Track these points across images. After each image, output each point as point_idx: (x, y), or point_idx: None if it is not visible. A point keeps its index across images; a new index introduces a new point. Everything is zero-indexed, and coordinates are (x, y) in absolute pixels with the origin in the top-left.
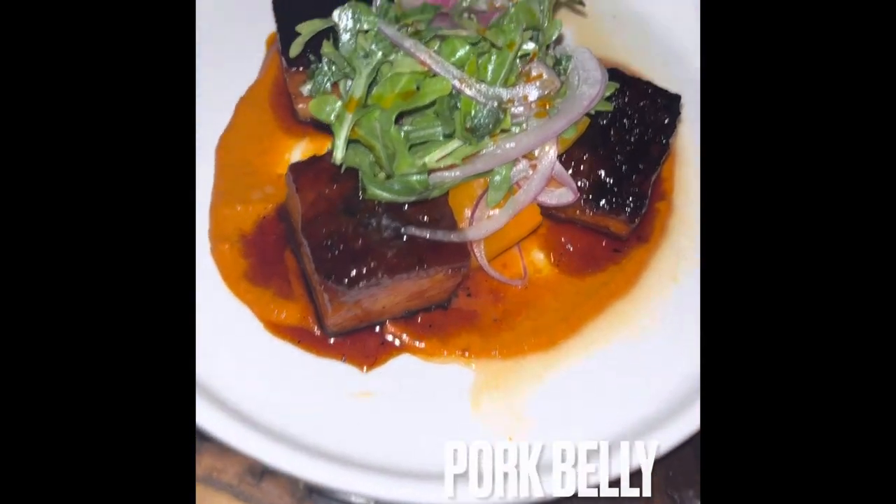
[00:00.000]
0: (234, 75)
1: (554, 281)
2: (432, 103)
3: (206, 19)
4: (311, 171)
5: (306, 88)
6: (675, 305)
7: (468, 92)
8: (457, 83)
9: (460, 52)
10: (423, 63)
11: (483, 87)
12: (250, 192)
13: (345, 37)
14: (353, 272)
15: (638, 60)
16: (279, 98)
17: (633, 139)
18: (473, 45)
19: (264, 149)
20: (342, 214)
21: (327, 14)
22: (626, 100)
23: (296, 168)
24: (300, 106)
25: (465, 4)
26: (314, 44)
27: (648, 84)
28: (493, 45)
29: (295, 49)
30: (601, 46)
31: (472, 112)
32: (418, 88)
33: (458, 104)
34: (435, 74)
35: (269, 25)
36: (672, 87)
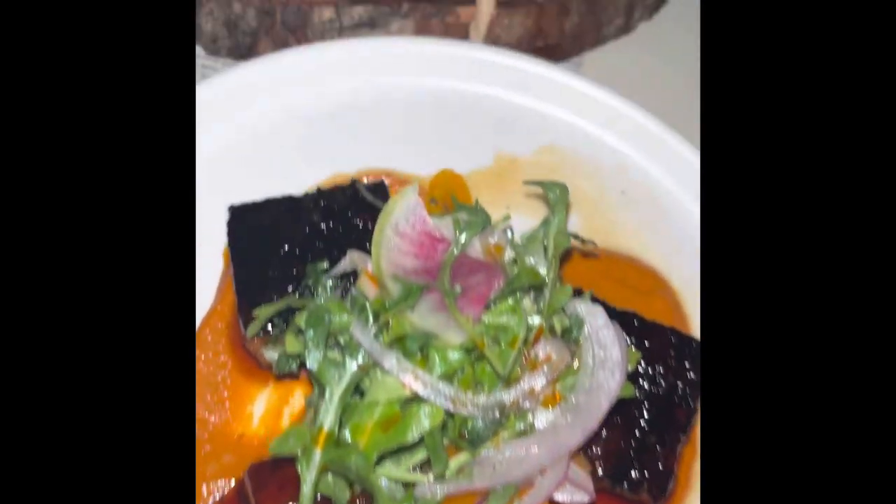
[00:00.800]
0: None
1: None
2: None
3: None
4: (273, 481)
5: (269, 354)
6: None
7: (464, 411)
8: (450, 406)
9: (452, 358)
10: (407, 386)
11: (482, 398)
12: (205, 465)
13: (311, 346)
14: None
15: (651, 245)
16: (239, 334)
17: (654, 403)
18: (468, 351)
19: (221, 401)
20: None
21: (293, 268)
22: (646, 352)
23: (255, 475)
24: (264, 354)
25: (455, 253)
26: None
27: (671, 331)
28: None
29: (252, 330)
30: (611, 231)
31: (469, 423)
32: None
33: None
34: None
35: (225, 235)
36: (688, 279)
